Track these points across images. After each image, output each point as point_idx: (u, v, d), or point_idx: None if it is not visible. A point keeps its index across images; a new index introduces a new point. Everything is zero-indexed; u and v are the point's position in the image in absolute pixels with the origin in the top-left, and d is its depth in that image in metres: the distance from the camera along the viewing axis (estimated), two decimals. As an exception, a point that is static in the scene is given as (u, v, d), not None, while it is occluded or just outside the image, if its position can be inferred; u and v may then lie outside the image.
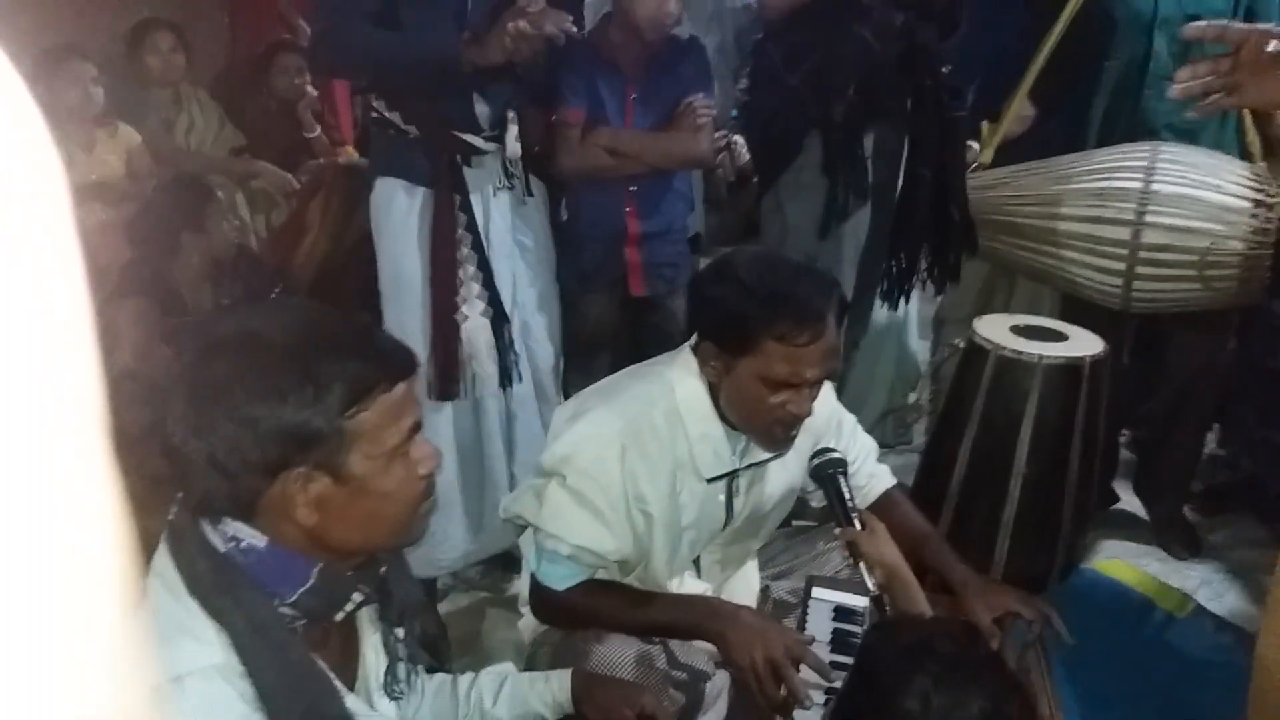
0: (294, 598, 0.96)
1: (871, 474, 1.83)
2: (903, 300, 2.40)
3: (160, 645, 0.90)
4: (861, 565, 1.55)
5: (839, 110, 2.05)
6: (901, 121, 2.17)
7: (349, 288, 2.41)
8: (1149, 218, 2.06)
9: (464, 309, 2.01)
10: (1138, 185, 2.08)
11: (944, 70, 2.16)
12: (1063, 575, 2.06)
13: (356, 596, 1.01)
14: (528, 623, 1.73)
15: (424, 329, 1.99)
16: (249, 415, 0.91)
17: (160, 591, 0.94)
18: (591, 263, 2.27)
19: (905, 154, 2.20)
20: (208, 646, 0.92)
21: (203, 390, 0.93)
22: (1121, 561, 2.21)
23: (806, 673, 1.43)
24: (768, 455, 1.63)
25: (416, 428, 1.03)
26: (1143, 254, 2.08)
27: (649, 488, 1.54)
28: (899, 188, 2.24)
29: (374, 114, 2.03)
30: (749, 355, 1.45)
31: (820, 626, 1.65)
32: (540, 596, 1.60)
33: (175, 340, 2.20)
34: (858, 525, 1.59)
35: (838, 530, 1.63)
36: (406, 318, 2.00)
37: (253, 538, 0.95)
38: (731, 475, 1.62)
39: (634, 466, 1.53)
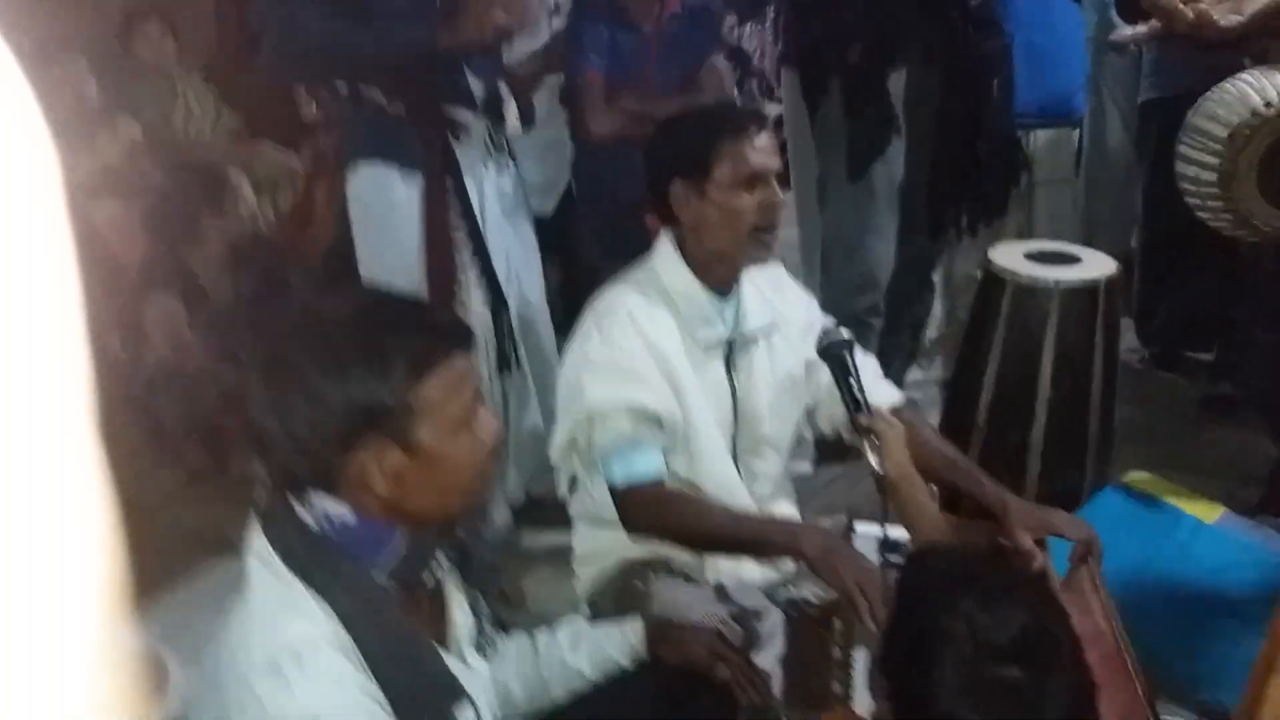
0: (387, 565, 1.01)
1: (872, 391, 1.87)
2: (956, 235, 2.44)
3: (267, 623, 0.95)
4: (867, 445, 1.54)
5: (855, 52, 2.07)
6: (932, 59, 2.19)
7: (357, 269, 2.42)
8: None
9: (463, 298, 2.00)
10: None
11: (973, 3, 2.17)
12: (1093, 493, 2.12)
13: (443, 559, 1.06)
14: (585, 577, 1.78)
15: None
16: (319, 392, 0.96)
17: (260, 571, 0.99)
18: (612, 229, 2.29)
19: (939, 91, 2.22)
20: (315, 620, 0.96)
21: (276, 372, 0.97)
22: (1149, 474, 2.26)
23: None
24: (759, 324, 1.73)
25: (478, 397, 1.07)
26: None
27: (666, 342, 1.66)
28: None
29: (350, 92, 1.93)
30: (717, 165, 1.61)
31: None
32: (626, 502, 1.64)
33: (212, 331, 2.23)
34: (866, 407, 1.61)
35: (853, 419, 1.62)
36: None
37: (341, 511, 1.00)
38: (728, 350, 1.71)
39: (644, 328, 1.65)
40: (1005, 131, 2.25)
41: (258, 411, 0.98)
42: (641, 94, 2.21)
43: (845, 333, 1.69)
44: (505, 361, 2.08)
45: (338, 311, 1.02)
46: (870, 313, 2.45)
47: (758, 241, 1.67)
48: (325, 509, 1.00)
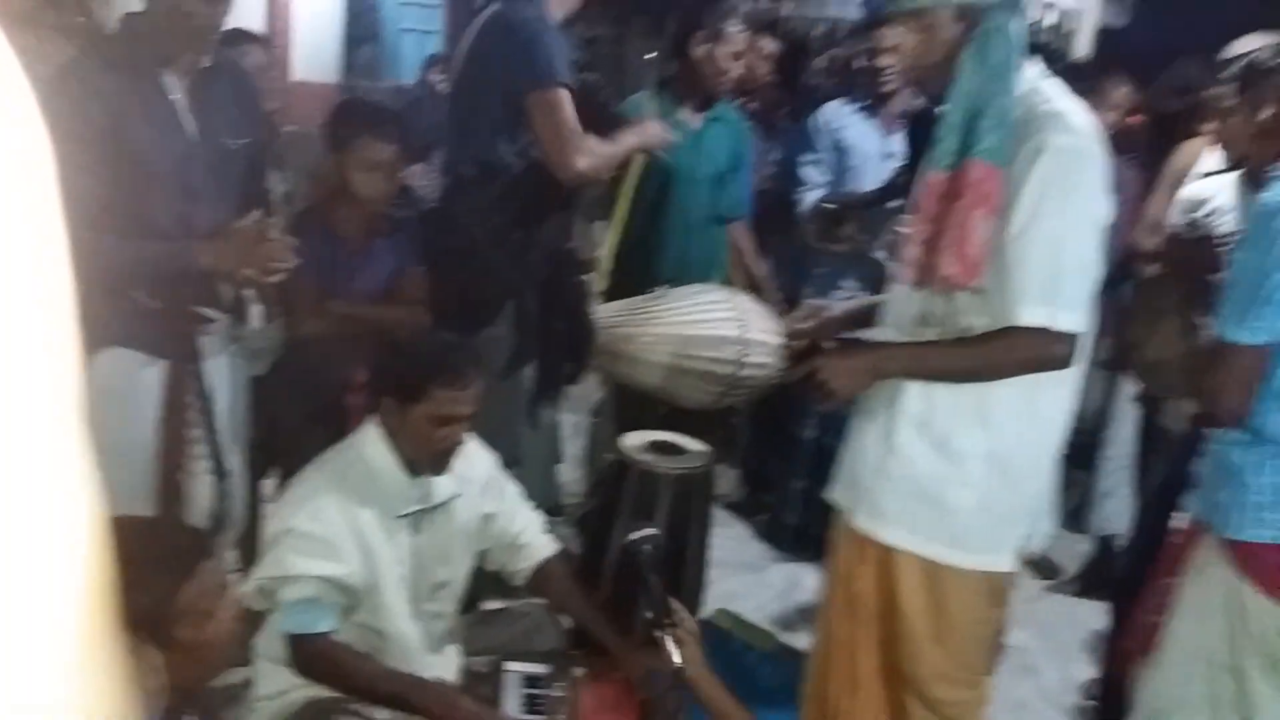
0: None
1: (534, 542, 2.36)
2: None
3: None
4: (669, 640, 1.98)
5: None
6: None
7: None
8: (748, 358, 2.79)
9: (190, 470, 2.27)
10: (736, 333, 2.80)
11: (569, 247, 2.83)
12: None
13: None
14: (266, 713, 2.09)
15: (147, 487, 2.20)
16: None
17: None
18: (315, 406, 2.63)
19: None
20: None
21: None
22: (723, 611, 2.94)
23: None
24: (443, 497, 2.15)
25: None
26: (739, 378, 2.81)
27: (364, 517, 2.03)
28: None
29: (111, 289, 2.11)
30: (423, 402, 2.01)
31: (513, 694, 2.21)
32: (302, 651, 1.98)
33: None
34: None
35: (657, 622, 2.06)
36: (129, 476, 2.14)
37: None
38: (416, 517, 2.12)
39: (345, 504, 2.01)
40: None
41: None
42: (348, 299, 2.60)
43: (650, 538, 2.14)
44: (221, 523, 2.36)
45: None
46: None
47: (439, 461, 2.09)
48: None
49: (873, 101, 3.55)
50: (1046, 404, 1.83)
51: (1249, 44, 2.74)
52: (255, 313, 2.36)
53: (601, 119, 2.72)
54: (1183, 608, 1.88)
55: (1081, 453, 3.22)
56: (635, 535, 2.15)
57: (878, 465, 1.90)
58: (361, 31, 7.95)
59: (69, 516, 0.34)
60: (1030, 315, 1.68)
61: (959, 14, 1.74)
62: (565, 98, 2.50)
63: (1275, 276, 1.64)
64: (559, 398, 3.14)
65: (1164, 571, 1.96)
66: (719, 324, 2.70)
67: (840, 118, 3.58)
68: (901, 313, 1.89)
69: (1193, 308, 1.91)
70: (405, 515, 2.10)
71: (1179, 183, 3.30)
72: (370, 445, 2.08)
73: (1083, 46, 3.74)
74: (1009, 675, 2.99)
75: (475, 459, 2.26)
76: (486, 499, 2.27)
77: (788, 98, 4.29)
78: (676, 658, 1.94)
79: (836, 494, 2.05)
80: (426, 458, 2.06)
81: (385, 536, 2.07)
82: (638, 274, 2.97)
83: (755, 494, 3.95)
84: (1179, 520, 2.02)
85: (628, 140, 2.72)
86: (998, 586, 1.96)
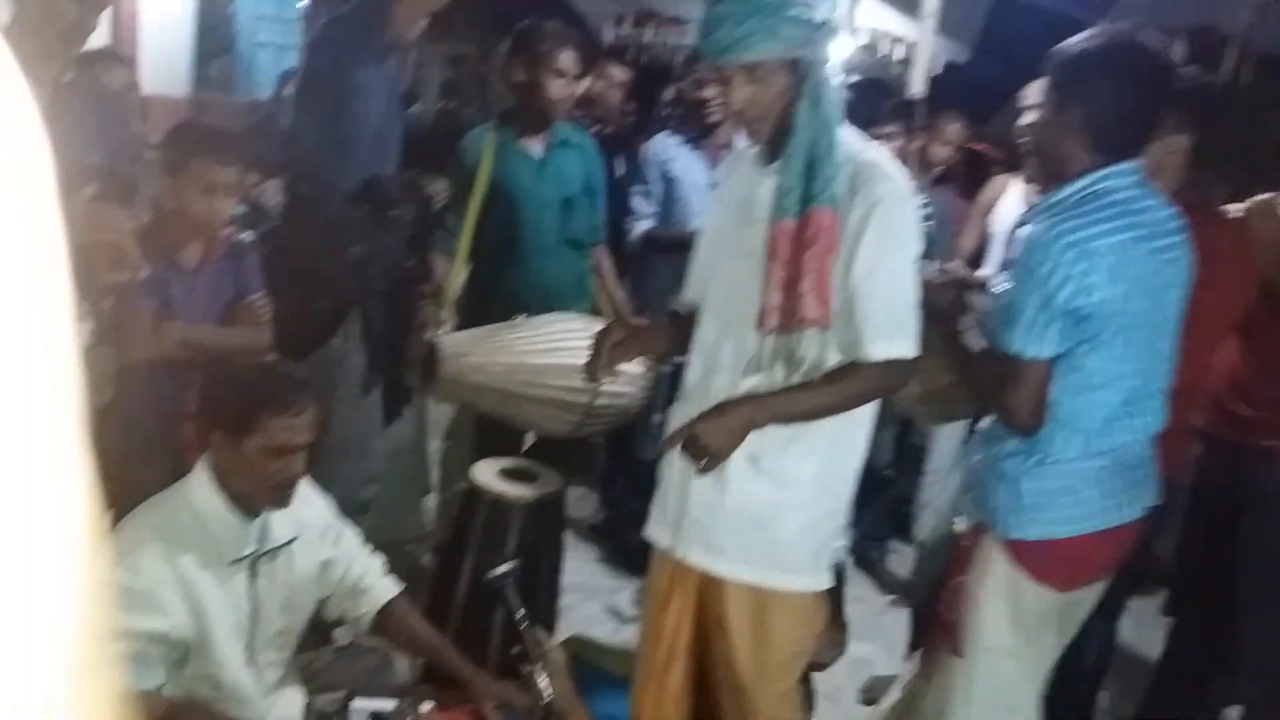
0: None
1: (376, 586, 2.31)
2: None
3: None
4: (538, 670, 2.00)
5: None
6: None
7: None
8: (603, 387, 2.82)
9: None
10: None
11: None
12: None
13: None
14: None
15: None
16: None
17: None
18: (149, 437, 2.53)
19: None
20: None
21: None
22: (575, 637, 2.96)
23: None
24: (281, 540, 2.09)
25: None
26: (596, 407, 2.84)
27: (190, 567, 1.94)
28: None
29: None
30: (255, 433, 1.95)
31: (358, 733, 2.16)
32: (136, 706, 1.90)
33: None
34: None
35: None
36: None
37: None
38: (253, 562, 2.05)
39: (171, 555, 1.93)
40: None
41: None
42: (185, 326, 2.51)
43: (508, 571, 2.11)
44: None
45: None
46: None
47: (279, 495, 2.02)
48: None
49: (699, 133, 3.66)
50: (857, 425, 1.96)
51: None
52: (84, 330, 2.24)
53: (439, 157, 2.77)
54: (974, 600, 2.05)
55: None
56: (498, 571, 2.13)
57: (712, 501, 1.98)
58: (214, 45, 7.69)
59: (68, 516, 0.35)
60: (883, 350, 1.83)
61: (789, 67, 1.83)
62: None
63: (1035, 298, 1.83)
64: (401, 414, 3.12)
65: (955, 572, 2.12)
66: (572, 353, 2.72)
67: (667, 149, 3.69)
68: (742, 355, 1.95)
69: (953, 344, 2.08)
70: (241, 560, 2.04)
71: (985, 217, 3.54)
72: (198, 490, 2.00)
73: (919, 81, 3.93)
74: (852, 689, 3.11)
75: (311, 503, 2.21)
76: (324, 544, 2.22)
77: (644, 124, 4.36)
78: (547, 691, 1.95)
79: (658, 534, 2.12)
80: (265, 492, 2.00)
81: (216, 584, 1.99)
82: (495, 303, 2.99)
83: (613, 516, 3.98)
84: (960, 524, 2.21)
85: None
86: (815, 605, 2.08)
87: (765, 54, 1.79)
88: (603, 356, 2.02)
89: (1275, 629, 2.41)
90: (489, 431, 3.06)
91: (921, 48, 4.00)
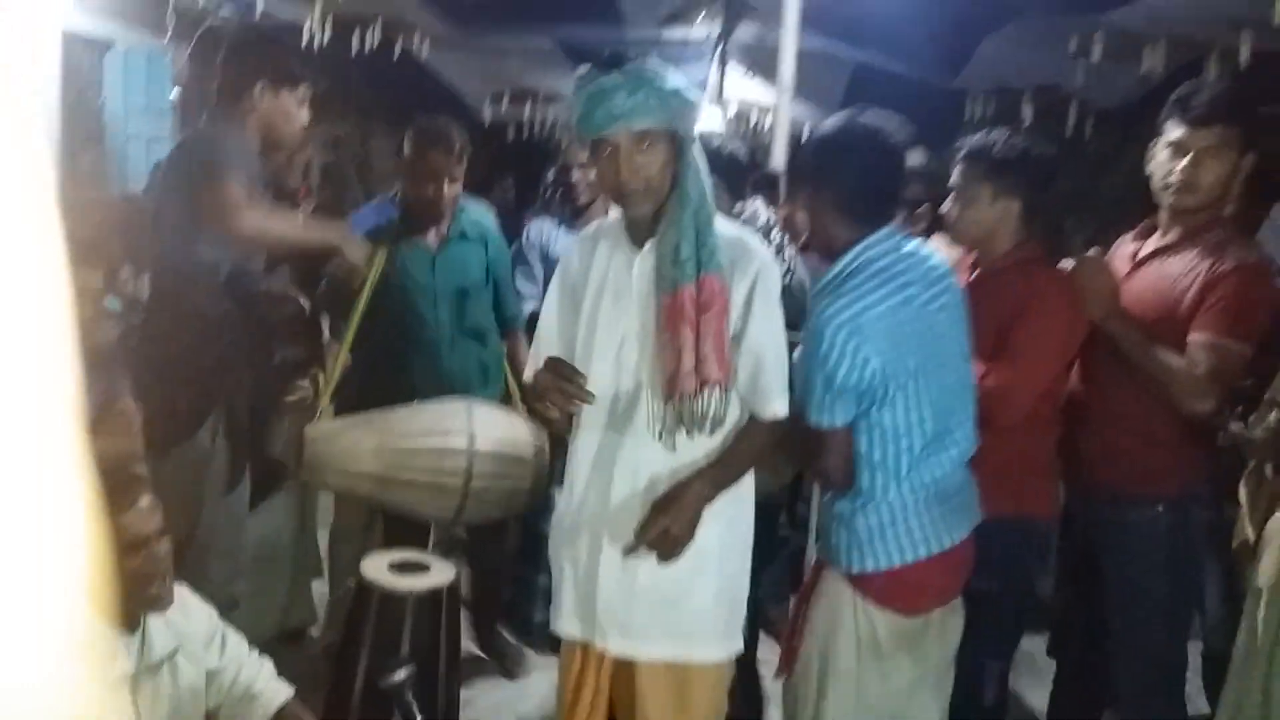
0: None
1: (266, 690, 2.21)
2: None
3: None
4: None
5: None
6: None
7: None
8: (476, 469, 2.79)
9: None
10: (463, 445, 2.79)
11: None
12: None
13: None
14: None
15: None
16: None
17: None
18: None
19: None
20: None
21: None
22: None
23: None
24: (163, 653, 1.99)
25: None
26: (473, 489, 2.81)
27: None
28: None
29: None
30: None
31: None
32: None
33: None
34: None
35: None
36: None
37: None
38: (134, 679, 1.95)
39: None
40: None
41: None
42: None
43: (410, 677, 2.04)
44: None
45: None
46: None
47: (148, 595, 1.92)
48: None
49: (573, 215, 3.74)
50: (746, 484, 2.07)
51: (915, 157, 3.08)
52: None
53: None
54: (818, 627, 2.18)
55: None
56: (394, 678, 2.07)
57: (624, 584, 2.03)
58: (83, 136, 7.49)
59: (66, 515, 0.35)
60: (780, 408, 1.99)
61: (669, 139, 1.93)
62: (233, 187, 2.54)
63: (819, 377, 2.00)
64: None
65: (800, 602, 2.27)
66: (444, 436, 2.72)
67: (546, 231, 3.77)
68: (639, 425, 2.00)
69: None
70: (121, 679, 1.96)
71: None
72: None
73: (780, 152, 4.06)
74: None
75: (192, 613, 2.14)
76: (209, 654, 2.15)
77: (526, 202, 4.41)
78: None
79: (568, 626, 2.15)
80: (134, 597, 1.94)
81: (95, 705, 1.92)
82: (392, 392, 2.98)
83: (519, 593, 3.93)
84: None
85: (318, 234, 2.83)
86: (730, 669, 2.16)
87: (655, 122, 1.89)
88: (572, 382, 1.94)
89: (1141, 667, 2.52)
90: (393, 521, 3.03)
91: (780, 116, 4.14)
